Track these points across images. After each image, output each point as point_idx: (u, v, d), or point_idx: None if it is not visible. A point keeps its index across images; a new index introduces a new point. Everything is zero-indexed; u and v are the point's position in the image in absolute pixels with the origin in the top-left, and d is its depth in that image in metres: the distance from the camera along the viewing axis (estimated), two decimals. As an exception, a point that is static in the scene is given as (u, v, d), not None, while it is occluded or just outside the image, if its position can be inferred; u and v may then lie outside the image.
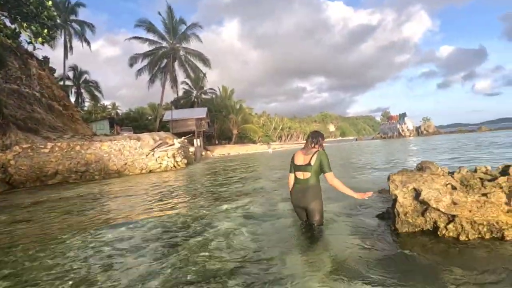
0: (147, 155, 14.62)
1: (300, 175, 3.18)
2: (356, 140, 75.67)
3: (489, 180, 3.98)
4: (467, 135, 37.42)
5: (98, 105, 52.85)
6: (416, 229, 2.52)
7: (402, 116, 57.36)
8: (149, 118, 49.85)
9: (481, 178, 4.03)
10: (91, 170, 13.52)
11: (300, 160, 3.24)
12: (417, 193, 2.50)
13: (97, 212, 5.04)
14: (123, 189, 8.61)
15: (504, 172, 4.12)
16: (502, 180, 3.84)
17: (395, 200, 2.60)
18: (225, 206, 4.60)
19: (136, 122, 44.68)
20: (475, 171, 4.31)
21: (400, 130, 54.95)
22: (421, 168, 2.92)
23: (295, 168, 3.25)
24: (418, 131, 54.83)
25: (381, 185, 5.29)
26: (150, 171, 14.43)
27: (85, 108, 49.57)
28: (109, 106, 58.32)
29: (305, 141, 3.30)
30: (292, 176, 3.28)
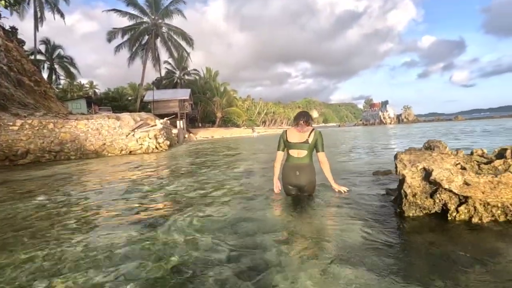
0: (127, 136, 13.95)
1: (295, 153, 3.10)
2: (339, 126, 76.88)
3: (485, 163, 3.91)
4: (445, 123, 38.74)
5: (75, 83, 50.14)
6: (424, 212, 2.34)
7: (384, 103, 58.54)
8: (130, 98, 47.91)
9: (477, 161, 3.95)
10: (66, 149, 12.75)
11: (295, 137, 3.12)
12: (427, 173, 2.31)
13: (66, 194, 4.61)
14: (99, 170, 8.09)
15: (500, 155, 4.07)
16: (498, 163, 3.77)
17: (402, 181, 2.40)
18: (211, 188, 4.31)
19: (116, 102, 42.87)
20: (471, 153, 4.24)
21: (382, 118, 56.19)
22: (429, 147, 2.73)
23: (288, 145, 3.14)
24: (399, 119, 56.28)
25: (372, 167, 5.17)
26: (131, 152, 13.81)
27: (60, 86, 46.88)
28: (87, 85, 55.57)
29: (295, 120, 3.18)
30: (280, 153, 3.21)
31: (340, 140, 16.49)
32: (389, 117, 56.34)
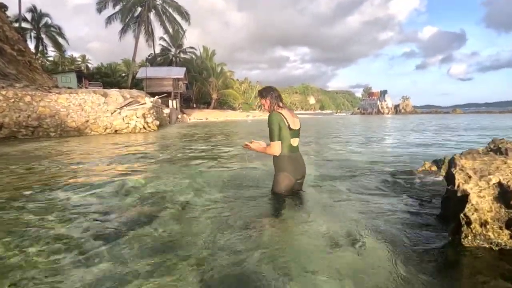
0: (112, 113, 12.93)
1: (296, 141, 2.55)
2: (336, 113, 76.18)
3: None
4: (444, 116, 38.24)
5: (67, 56, 47.98)
6: (494, 247, 1.58)
7: (383, 93, 57.54)
8: (123, 75, 46.07)
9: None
10: (45, 125, 11.73)
11: (295, 123, 2.54)
12: (503, 191, 1.53)
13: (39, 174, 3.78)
14: (78, 149, 7.21)
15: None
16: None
17: (461, 199, 1.61)
18: (200, 178, 3.53)
19: (108, 78, 41.26)
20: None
21: (380, 107, 55.38)
22: (497, 149, 1.93)
23: (292, 133, 2.49)
24: (396, 109, 55.58)
25: (386, 165, 4.43)
26: (116, 131, 12.86)
27: (51, 59, 44.79)
28: (79, 59, 53.31)
29: (276, 99, 2.56)
30: (279, 144, 2.45)
31: (340, 129, 15.75)
32: (387, 107, 55.53)
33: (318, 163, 4.67)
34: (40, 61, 41.53)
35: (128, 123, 13.15)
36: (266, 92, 2.58)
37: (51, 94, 12.18)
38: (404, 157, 5.31)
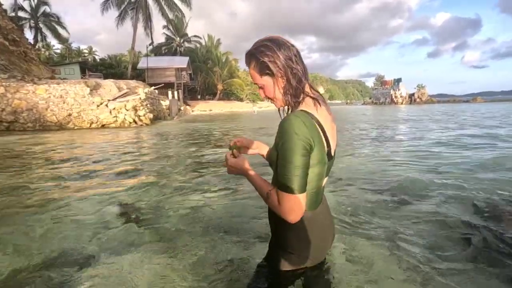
0: (98, 106, 11.54)
1: (325, 180, 0.89)
2: (347, 104, 73.58)
3: None
4: (465, 105, 35.75)
5: (73, 48, 47.20)
6: None
7: (397, 81, 54.54)
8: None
9: None
10: (21, 120, 10.45)
11: (335, 138, 0.87)
12: None
13: None
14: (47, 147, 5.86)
15: None
16: None
17: None
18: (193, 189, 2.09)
19: (113, 70, 40.13)
20: None
21: (393, 97, 52.61)
22: None
23: (329, 166, 0.86)
24: (411, 99, 52.73)
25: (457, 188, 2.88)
26: (103, 126, 11.48)
27: (58, 51, 44.20)
28: (86, 51, 52.44)
29: (289, 71, 0.86)
30: (303, 198, 0.76)
31: (371, 126, 14.04)
32: (401, 96, 52.66)
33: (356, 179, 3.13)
34: (47, 54, 40.92)
35: (116, 116, 11.76)
36: (270, 50, 0.86)
37: (28, 84, 10.88)
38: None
